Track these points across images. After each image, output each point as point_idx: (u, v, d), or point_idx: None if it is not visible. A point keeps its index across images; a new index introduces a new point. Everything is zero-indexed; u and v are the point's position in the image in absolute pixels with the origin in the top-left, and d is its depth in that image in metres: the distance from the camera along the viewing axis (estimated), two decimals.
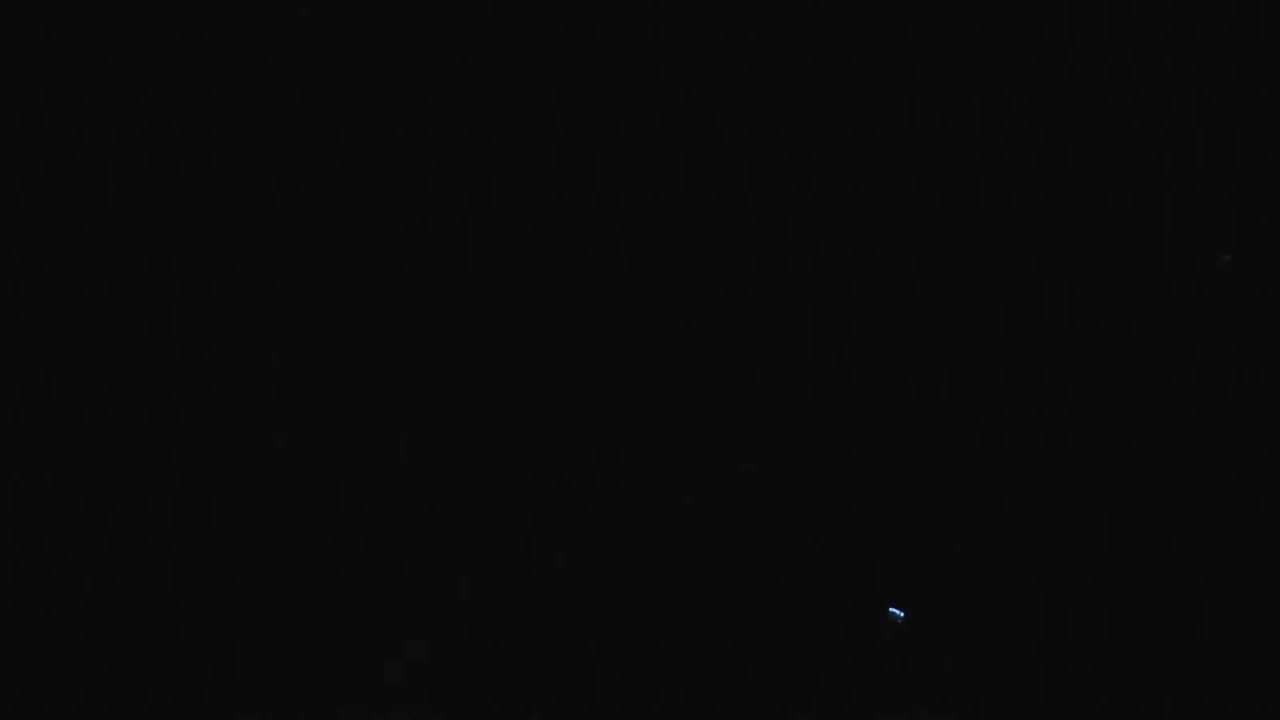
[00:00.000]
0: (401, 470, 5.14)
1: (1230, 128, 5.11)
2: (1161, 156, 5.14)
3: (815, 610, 5.00)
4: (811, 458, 5.12)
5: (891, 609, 4.92)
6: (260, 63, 5.21)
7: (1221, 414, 5.07)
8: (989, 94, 5.13)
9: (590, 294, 5.19)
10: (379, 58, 5.22)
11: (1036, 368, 5.13)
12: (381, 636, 5.01)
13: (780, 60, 5.16)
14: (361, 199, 5.17)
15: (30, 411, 5.06)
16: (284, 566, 5.05)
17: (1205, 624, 4.92)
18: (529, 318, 5.19)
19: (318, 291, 5.18)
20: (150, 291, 5.11)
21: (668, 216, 5.22)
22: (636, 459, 5.14)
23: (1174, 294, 5.13)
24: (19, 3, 5.14)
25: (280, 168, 5.18)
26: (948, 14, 5.12)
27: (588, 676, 4.95)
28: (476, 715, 4.93)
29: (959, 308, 5.17)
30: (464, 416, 5.15)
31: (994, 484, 5.08)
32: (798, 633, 4.98)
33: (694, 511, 5.11)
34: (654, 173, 5.22)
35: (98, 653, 4.94)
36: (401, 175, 5.20)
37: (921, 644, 4.96)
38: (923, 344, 5.16)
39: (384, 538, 5.09)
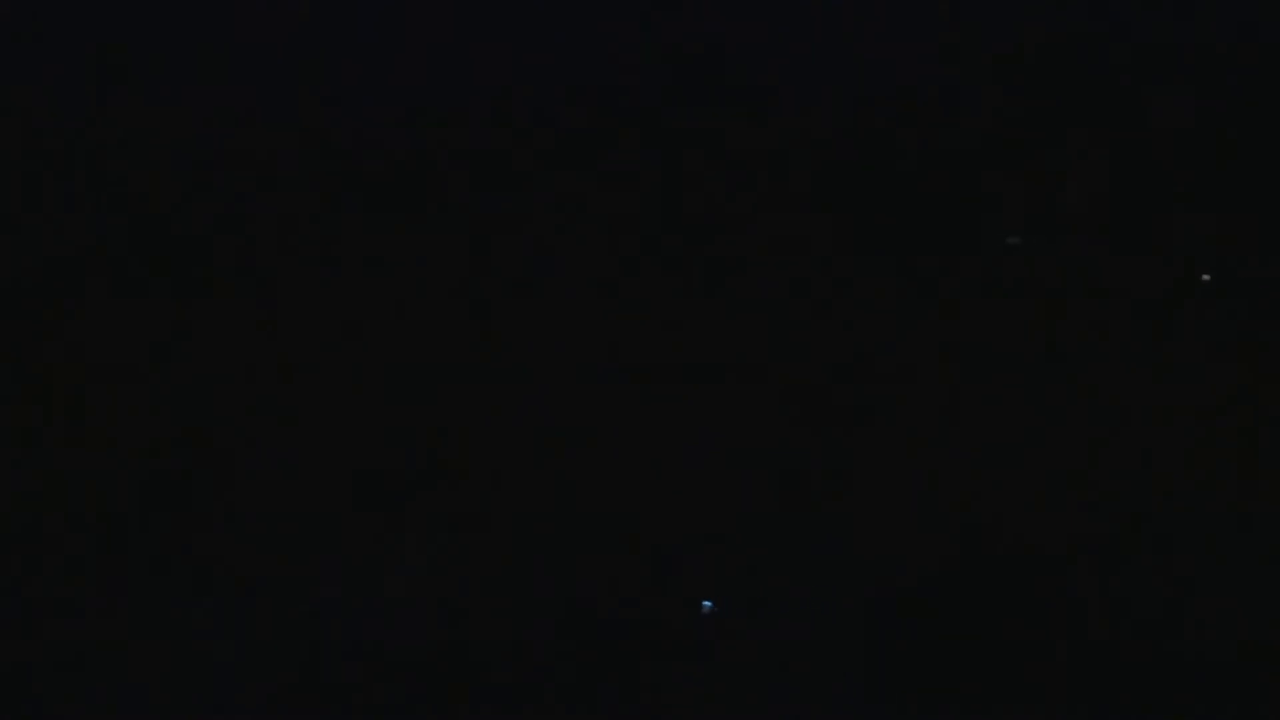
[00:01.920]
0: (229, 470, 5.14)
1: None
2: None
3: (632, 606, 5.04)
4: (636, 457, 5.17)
5: (703, 602, 4.93)
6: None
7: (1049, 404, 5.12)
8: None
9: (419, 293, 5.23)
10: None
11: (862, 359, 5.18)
12: (209, 639, 4.96)
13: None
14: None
15: None
16: (107, 570, 5.03)
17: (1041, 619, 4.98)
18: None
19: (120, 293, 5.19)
20: None
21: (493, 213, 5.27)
22: (464, 459, 5.17)
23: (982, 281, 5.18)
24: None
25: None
26: None
27: (418, 674, 4.94)
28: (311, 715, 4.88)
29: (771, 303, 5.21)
30: (299, 415, 5.17)
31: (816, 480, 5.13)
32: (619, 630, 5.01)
33: (519, 511, 5.15)
34: (498, 171, 5.27)
35: None
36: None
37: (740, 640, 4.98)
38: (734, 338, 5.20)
39: (204, 540, 5.08)
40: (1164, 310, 5.09)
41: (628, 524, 5.11)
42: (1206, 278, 5.09)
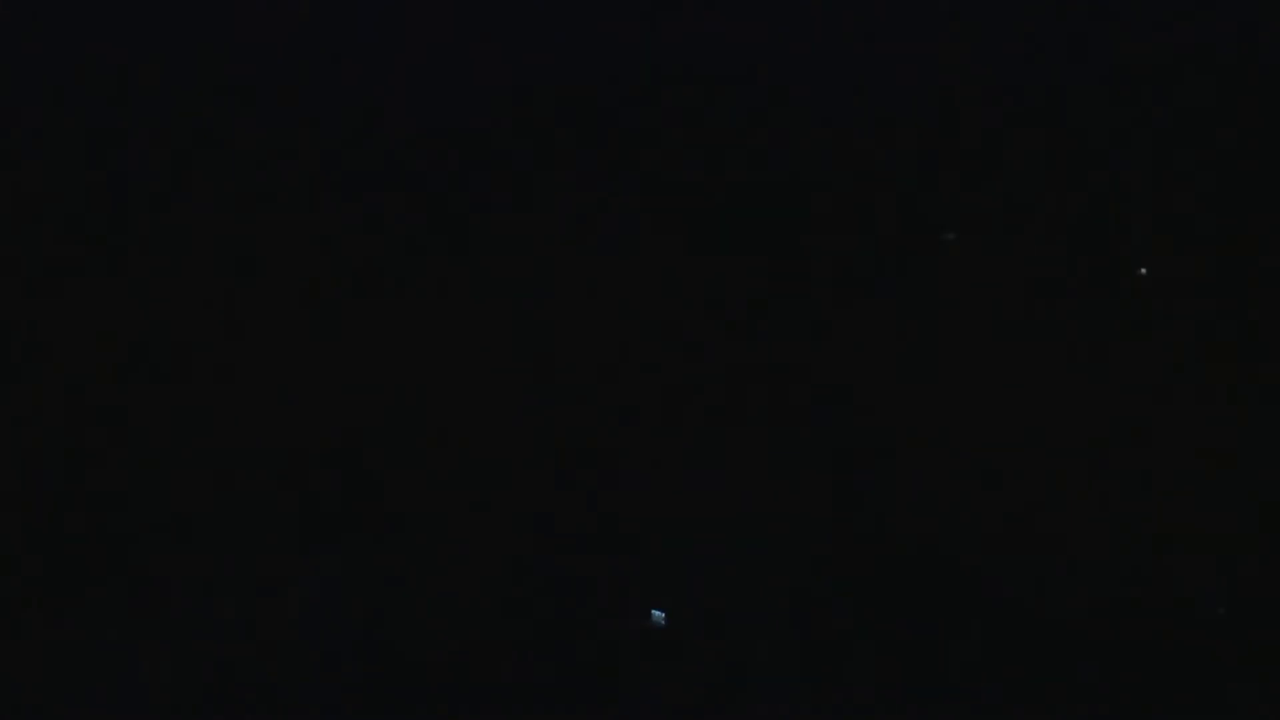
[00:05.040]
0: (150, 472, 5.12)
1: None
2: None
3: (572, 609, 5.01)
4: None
5: (654, 611, 4.91)
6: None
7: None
8: None
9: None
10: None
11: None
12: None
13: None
14: None
15: None
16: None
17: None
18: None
19: None
20: None
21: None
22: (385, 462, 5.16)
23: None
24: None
25: None
26: None
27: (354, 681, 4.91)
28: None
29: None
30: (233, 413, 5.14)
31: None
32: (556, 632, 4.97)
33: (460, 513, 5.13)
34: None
35: None
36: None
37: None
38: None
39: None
40: (1106, 305, 5.11)
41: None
42: (1144, 271, 5.09)
